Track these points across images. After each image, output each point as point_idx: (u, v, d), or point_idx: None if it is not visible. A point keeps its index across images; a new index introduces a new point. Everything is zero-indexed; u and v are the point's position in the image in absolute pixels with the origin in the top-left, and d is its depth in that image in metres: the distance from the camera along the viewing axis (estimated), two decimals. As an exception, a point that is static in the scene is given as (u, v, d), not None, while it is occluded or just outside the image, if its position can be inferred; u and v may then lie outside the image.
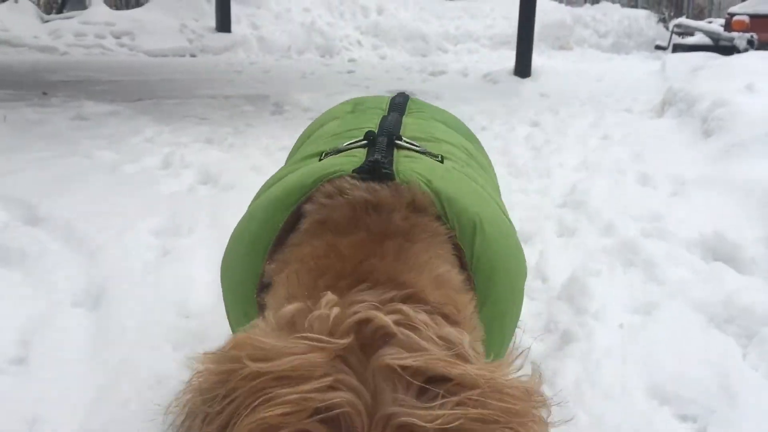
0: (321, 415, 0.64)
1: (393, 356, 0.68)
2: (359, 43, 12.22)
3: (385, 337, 0.70)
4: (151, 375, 1.71)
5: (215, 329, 1.92)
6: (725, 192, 3.04)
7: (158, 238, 2.60)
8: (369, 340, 0.70)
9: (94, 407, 1.60)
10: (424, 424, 0.63)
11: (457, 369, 0.68)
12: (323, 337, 0.69)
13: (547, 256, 2.48)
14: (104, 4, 12.14)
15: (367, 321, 0.71)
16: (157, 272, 2.25)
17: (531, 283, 2.36)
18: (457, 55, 12.42)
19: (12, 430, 1.52)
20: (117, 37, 10.57)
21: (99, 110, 4.99)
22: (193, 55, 10.50)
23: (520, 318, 1.19)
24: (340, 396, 0.65)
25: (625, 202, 3.04)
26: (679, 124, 4.71)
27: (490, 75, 8.60)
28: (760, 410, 1.59)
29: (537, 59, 9.04)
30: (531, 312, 2.16)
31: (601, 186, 3.29)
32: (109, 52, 10.14)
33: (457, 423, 0.63)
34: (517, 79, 8.19)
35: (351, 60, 11.00)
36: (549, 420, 0.72)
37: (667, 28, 15.16)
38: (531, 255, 2.55)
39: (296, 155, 1.36)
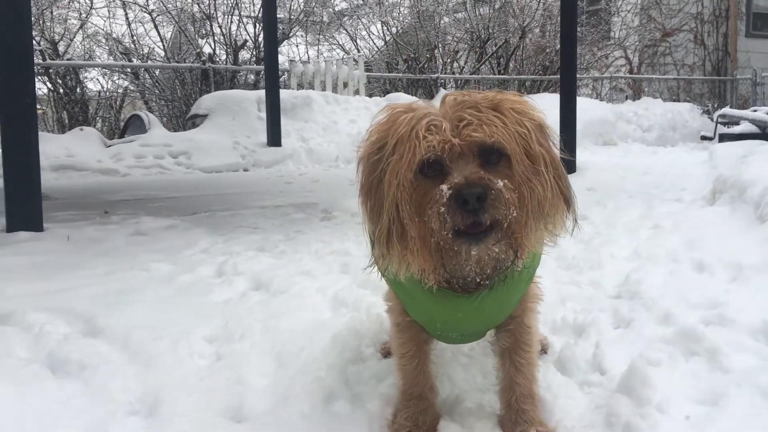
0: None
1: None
2: (404, 149, 12.53)
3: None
4: (204, 482, 1.70)
5: (267, 433, 1.91)
6: (786, 276, 2.94)
7: (212, 345, 2.63)
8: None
9: None
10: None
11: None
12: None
13: (604, 348, 2.40)
14: (162, 127, 12.86)
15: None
16: (210, 378, 2.27)
17: (588, 377, 2.29)
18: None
19: None
20: (174, 157, 11.11)
21: (156, 225, 5.19)
22: (245, 170, 10.93)
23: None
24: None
25: (682, 291, 2.95)
26: (732, 211, 4.62)
27: (535, 172, 8.62)
28: None
29: (581, 155, 9.06)
30: (589, 406, 2.08)
31: (655, 275, 3.22)
32: (167, 171, 10.63)
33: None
34: (563, 175, 8.18)
35: (396, 166, 11.23)
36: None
37: (712, 120, 15.15)
38: (587, 348, 2.49)
39: None
